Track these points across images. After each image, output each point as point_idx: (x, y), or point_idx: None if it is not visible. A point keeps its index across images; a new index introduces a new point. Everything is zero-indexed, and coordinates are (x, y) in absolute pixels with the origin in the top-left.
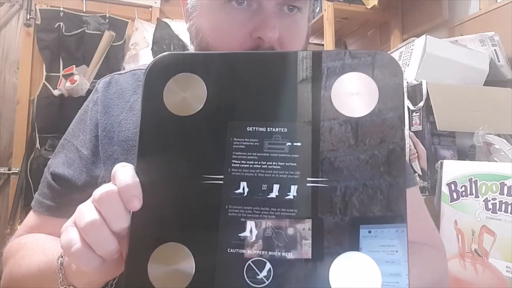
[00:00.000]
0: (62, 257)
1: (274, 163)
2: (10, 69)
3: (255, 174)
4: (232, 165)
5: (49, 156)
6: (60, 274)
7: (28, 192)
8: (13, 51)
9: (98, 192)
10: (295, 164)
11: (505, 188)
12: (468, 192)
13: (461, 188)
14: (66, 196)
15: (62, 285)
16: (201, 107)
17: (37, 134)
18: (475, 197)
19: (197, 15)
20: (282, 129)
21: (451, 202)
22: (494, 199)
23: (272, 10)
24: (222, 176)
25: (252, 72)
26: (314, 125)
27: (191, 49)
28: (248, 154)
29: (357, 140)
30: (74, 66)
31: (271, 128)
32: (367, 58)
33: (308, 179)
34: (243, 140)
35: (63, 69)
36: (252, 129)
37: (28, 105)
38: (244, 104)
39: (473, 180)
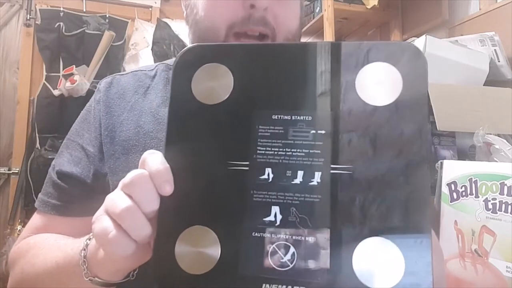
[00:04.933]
0: (85, 249)
1: (298, 150)
2: (10, 69)
3: (280, 161)
4: (258, 152)
5: (49, 156)
6: (84, 266)
7: (28, 192)
8: (13, 51)
9: (128, 177)
10: (319, 151)
11: (505, 188)
12: (468, 192)
13: (461, 188)
14: (73, 194)
15: (86, 277)
16: (227, 96)
17: (37, 134)
18: (475, 197)
19: None
20: (307, 117)
21: (451, 202)
22: (494, 199)
23: None
24: (247, 163)
25: (277, 62)
26: (338, 113)
27: (187, 32)
28: (273, 141)
29: (381, 129)
30: (74, 66)
31: (295, 116)
32: (391, 49)
33: (332, 166)
34: (268, 128)
35: (63, 69)
36: (277, 117)
37: (28, 105)
38: (269, 93)
39: (473, 180)
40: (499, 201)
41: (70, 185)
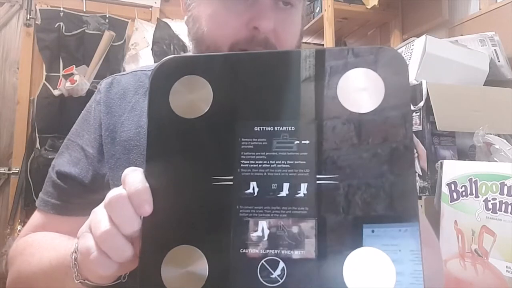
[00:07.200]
0: (75, 252)
1: (283, 162)
2: (10, 69)
3: (265, 174)
4: (241, 165)
5: (49, 156)
6: (75, 269)
7: (28, 192)
8: (13, 51)
9: (108, 196)
10: (304, 162)
11: (505, 188)
12: (468, 192)
13: (461, 188)
14: (72, 194)
15: (77, 279)
16: (207, 108)
17: (37, 134)
18: (475, 197)
19: (195, 6)
20: (290, 127)
21: (451, 202)
22: (494, 199)
23: (267, 3)
24: (231, 177)
25: (258, 72)
26: (321, 122)
27: (188, 43)
28: (256, 154)
29: (365, 136)
30: (74, 66)
31: (278, 127)
32: (372, 54)
33: (318, 176)
34: (251, 140)
35: (63, 69)
36: (260, 128)
37: (28, 105)
38: (250, 104)
39: (473, 180)
40: (499, 201)
41: (69, 185)
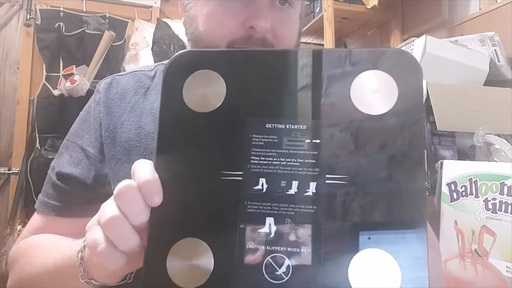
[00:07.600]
0: (82, 251)
1: (293, 160)
2: (10, 69)
3: (274, 171)
4: (251, 161)
5: (49, 156)
6: (81, 268)
7: (28, 192)
8: (13, 51)
9: (117, 187)
10: (314, 161)
11: (505, 188)
12: (468, 192)
13: (461, 188)
14: (73, 195)
15: (83, 279)
16: (220, 103)
17: (37, 134)
18: (475, 197)
19: (192, 6)
20: (301, 126)
21: (451, 202)
22: (494, 199)
23: (264, 2)
24: (241, 173)
25: (271, 70)
26: (333, 122)
27: (186, 44)
28: (267, 150)
29: (376, 138)
30: (74, 66)
31: (290, 125)
32: (386, 56)
33: (328, 176)
34: (262, 137)
35: (63, 69)
36: (271, 126)
37: (28, 105)
38: (263, 101)
39: (473, 180)
40: (499, 201)
41: (70, 186)
